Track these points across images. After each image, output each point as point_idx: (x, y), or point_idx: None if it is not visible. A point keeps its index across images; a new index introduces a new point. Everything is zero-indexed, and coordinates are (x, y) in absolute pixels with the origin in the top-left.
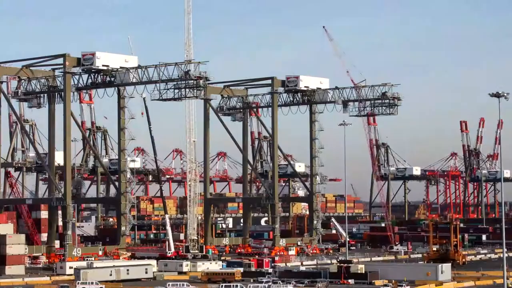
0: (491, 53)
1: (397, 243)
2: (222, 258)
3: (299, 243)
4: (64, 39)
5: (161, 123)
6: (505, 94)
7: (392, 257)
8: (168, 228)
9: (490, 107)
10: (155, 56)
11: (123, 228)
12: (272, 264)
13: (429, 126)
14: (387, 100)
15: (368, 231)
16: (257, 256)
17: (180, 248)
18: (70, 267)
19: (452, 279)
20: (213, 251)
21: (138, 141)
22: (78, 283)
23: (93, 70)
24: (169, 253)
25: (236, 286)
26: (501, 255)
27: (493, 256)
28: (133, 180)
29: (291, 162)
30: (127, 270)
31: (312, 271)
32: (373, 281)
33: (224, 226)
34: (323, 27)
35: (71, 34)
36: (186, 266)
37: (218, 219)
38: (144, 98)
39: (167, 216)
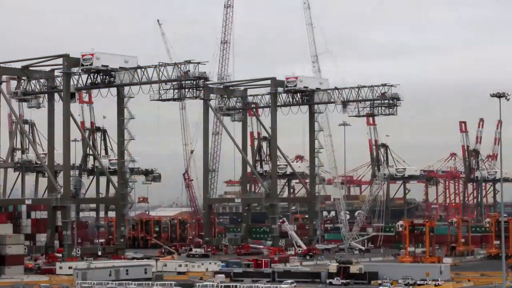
0: None
1: None
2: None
3: None
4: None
5: None
6: (506, 94)
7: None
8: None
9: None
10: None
11: (122, 229)
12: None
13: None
14: (387, 101)
15: None
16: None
17: None
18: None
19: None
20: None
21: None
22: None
23: (92, 71)
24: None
25: (236, 286)
26: None
27: None
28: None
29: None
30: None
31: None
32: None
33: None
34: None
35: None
36: (185, 266)
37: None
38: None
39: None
